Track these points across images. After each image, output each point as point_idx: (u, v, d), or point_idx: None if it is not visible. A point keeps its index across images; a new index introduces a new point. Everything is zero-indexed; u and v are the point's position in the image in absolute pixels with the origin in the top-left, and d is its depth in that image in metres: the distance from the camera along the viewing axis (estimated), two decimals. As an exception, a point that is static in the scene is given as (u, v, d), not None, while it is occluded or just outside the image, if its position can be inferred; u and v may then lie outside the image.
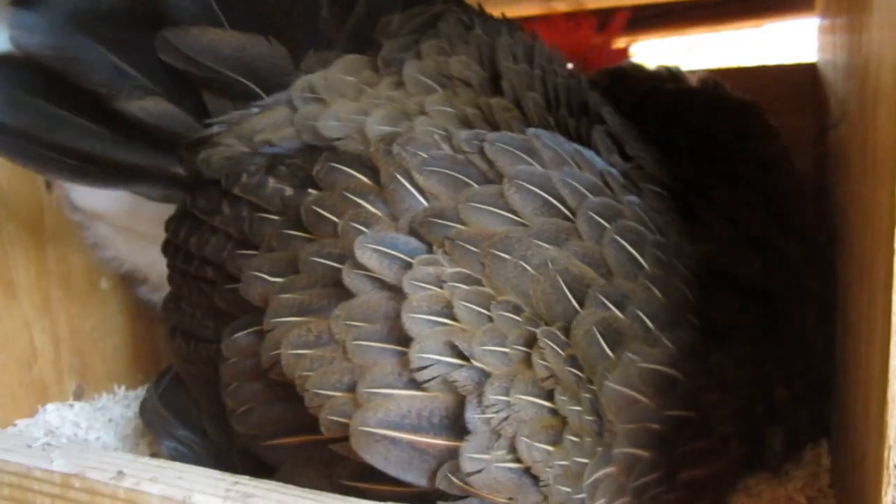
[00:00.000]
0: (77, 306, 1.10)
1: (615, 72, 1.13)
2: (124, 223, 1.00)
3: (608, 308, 0.67)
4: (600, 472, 0.65)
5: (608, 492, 0.65)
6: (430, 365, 0.63)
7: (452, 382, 0.62)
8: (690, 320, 0.72)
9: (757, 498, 0.78)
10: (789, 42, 1.44)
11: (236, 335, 0.75)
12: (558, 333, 0.65)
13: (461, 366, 0.63)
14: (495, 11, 0.94)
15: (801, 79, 1.18)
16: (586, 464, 0.64)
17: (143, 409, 0.92)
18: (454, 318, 0.64)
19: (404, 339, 0.64)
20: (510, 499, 0.63)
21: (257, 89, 0.82)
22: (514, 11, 1.41)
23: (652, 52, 1.29)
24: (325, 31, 0.84)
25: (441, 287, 0.65)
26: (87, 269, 1.11)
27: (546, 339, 0.64)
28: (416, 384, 0.63)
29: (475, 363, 0.62)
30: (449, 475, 0.62)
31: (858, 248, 0.65)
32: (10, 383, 1.02)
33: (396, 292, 0.66)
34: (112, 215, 1.00)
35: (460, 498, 0.63)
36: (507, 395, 0.62)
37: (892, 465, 0.48)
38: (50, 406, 1.06)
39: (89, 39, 0.75)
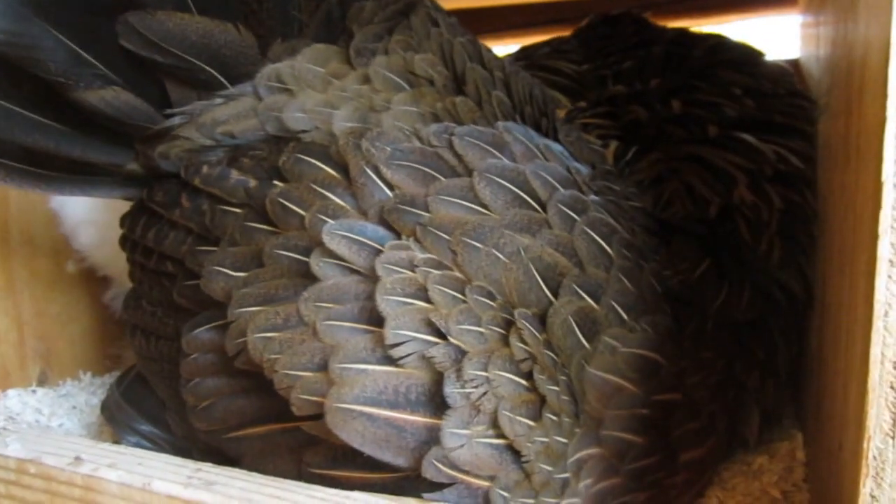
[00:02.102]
0: (42, 289, 1.08)
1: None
2: (91, 216, 0.98)
3: (583, 298, 0.67)
4: (584, 453, 0.65)
5: (595, 471, 0.65)
6: (406, 342, 0.63)
7: (430, 359, 0.63)
8: (664, 307, 0.72)
9: (731, 492, 0.78)
10: (771, 38, 1.44)
11: (197, 331, 0.74)
12: (534, 317, 0.66)
13: (437, 343, 0.63)
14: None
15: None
16: (566, 444, 0.64)
17: (105, 407, 0.90)
18: (428, 301, 0.64)
19: (376, 319, 0.64)
20: (492, 477, 0.62)
21: (222, 78, 0.79)
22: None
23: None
24: (298, 16, 0.81)
25: (414, 271, 0.65)
26: (53, 252, 1.08)
27: (524, 321, 0.65)
28: (391, 360, 0.63)
29: (452, 340, 0.63)
30: (434, 461, 0.61)
31: (839, 237, 0.65)
32: (-31, 368, 1.00)
33: (367, 276, 0.66)
34: (80, 207, 0.98)
35: (440, 487, 0.63)
36: (485, 370, 0.62)
37: (871, 455, 0.47)
38: (11, 392, 1.04)
39: (47, 25, 0.72)
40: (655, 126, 0.89)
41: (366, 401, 0.62)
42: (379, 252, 0.66)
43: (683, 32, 1.05)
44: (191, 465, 0.66)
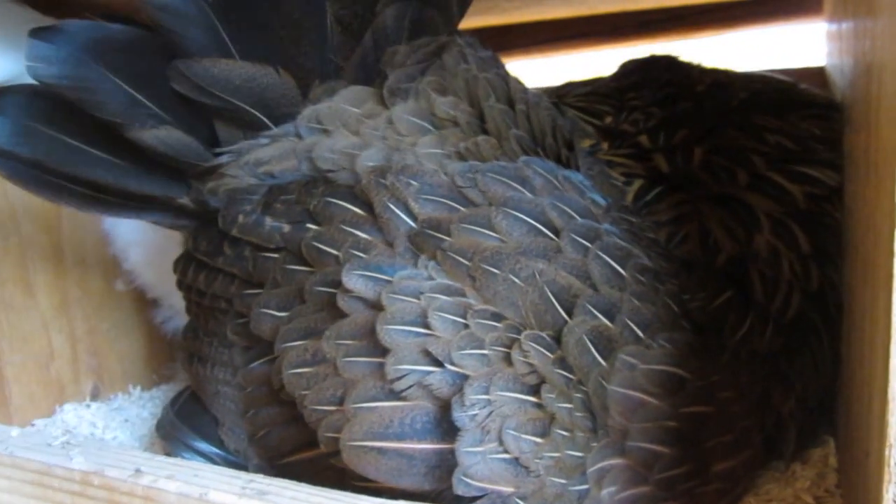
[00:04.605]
0: (94, 307, 1.13)
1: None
2: (141, 238, 1.03)
3: (596, 317, 0.69)
4: (606, 463, 0.67)
5: (620, 479, 0.67)
6: (406, 374, 0.66)
7: (428, 386, 0.66)
8: (681, 325, 0.73)
9: (764, 497, 0.79)
10: (798, 46, 1.44)
11: (251, 365, 0.79)
12: (546, 337, 0.68)
13: (435, 371, 0.66)
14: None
15: (810, 83, 1.18)
16: (582, 457, 0.66)
17: (160, 426, 0.94)
18: (428, 328, 0.67)
19: (385, 352, 0.67)
20: (516, 488, 0.65)
21: (266, 119, 0.83)
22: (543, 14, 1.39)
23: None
24: (335, 60, 0.85)
25: (418, 299, 0.68)
26: (103, 271, 1.13)
27: (531, 342, 0.67)
28: (395, 394, 0.67)
29: (450, 367, 0.65)
30: (462, 477, 0.64)
31: (862, 249, 0.66)
32: (28, 383, 1.04)
33: (379, 309, 0.69)
34: (130, 231, 1.03)
35: (475, 498, 0.65)
36: (486, 393, 0.65)
37: (892, 462, 0.48)
38: (67, 406, 1.08)
39: (105, 70, 0.76)
40: (679, 175, 0.88)
41: (374, 436, 0.66)
42: (389, 283, 0.70)
43: (717, 81, 1.01)
44: (244, 476, 0.69)
